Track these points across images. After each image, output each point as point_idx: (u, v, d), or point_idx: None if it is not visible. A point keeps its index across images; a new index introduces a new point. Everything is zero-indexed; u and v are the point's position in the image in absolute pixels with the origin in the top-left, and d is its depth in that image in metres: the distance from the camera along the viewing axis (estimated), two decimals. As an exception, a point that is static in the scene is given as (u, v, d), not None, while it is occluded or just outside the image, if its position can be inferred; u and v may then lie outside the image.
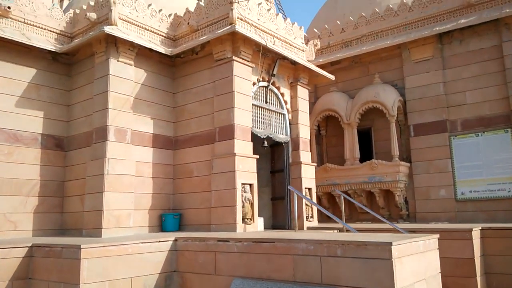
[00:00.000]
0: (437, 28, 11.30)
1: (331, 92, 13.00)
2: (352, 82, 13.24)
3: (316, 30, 14.14)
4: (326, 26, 13.92)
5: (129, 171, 8.57)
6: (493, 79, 10.68)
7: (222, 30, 8.64)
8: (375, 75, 12.49)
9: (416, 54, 11.84)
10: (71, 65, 9.70)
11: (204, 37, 9.08)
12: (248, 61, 9.21)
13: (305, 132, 10.85)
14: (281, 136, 10.41)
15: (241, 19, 9.12)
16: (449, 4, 11.39)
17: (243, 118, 8.95)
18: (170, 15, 10.19)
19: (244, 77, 9.11)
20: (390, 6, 12.61)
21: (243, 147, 8.82)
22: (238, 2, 8.86)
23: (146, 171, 9.12)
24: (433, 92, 11.47)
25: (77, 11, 9.80)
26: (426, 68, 11.64)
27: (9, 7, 8.46)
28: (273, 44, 9.64)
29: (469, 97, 11.01)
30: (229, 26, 8.64)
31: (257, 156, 9.11)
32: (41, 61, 9.18)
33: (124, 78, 8.87)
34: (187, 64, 9.90)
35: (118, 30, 8.53)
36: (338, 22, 13.68)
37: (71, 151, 9.30)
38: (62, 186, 9.18)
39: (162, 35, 9.88)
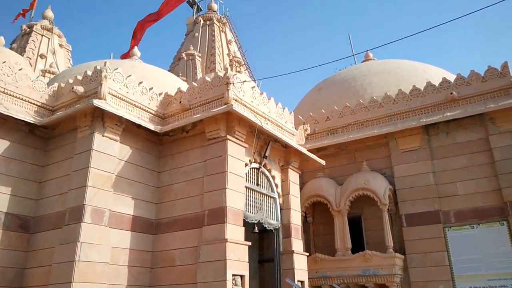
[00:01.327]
0: (423, 120, 11.56)
1: (318, 178, 12.65)
2: (338, 168, 13.01)
3: (301, 117, 14.26)
4: (311, 113, 14.09)
5: (103, 258, 7.46)
6: (483, 170, 10.70)
7: (218, 108, 8.36)
8: (363, 162, 12.37)
9: (403, 144, 11.92)
10: (49, 139, 8.99)
11: (198, 115, 8.75)
12: (242, 141, 8.84)
13: (296, 218, 10.19)
14: (272, 222, 9.68)
15: (236, 100, 8.94)
16: (433, 98, 11.83)
17: (236, 200, 8.28)
18: (160, 93, 9.94)
19: (238, 157, 8.65)
20: (374, 97, 13.00)
21: (235, 232, 8.00)
22: (234, 83, 8.75)
23: (122, 258, 8.00)
24: (423, 182, 11.32)
25: (62, 85, 9.39)
26: (415, 158, 11.64)
27: (-10, 75, 7.94)
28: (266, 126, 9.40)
29: (460, 188, 10.89)
30: (226, 105, 8.39)
31: (249, 243, 8.27)
32: (16, 133, 8.44)
33: (108, 154, 8.19)
34: (175, 143, 9.40)
35: (107, 104, 8.08)
36: (323, 111, 13.90)
37: (38, 234, 8.14)
38: (22, 275, 7.84)
39: (151, 113, 9.50)
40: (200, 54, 19.07)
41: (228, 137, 8.49)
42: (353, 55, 19.23)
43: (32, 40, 15.62)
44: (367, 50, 18.07)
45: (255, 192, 9.36)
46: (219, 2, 20.94)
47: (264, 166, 9.75)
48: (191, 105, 9.38)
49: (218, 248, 7.74)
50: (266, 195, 9.75)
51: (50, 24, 16.80)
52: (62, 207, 7.88)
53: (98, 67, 8.73)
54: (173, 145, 9.44)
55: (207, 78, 9.46)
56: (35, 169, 8.57)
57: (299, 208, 10.52)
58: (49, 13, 17.31)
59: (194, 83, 9.77)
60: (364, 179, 11.67)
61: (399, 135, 11.97)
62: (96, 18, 39.41)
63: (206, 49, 19.39)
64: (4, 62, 8.46)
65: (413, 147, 11.75)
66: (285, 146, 10.39)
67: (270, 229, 9.66)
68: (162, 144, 9.60)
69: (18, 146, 8.37)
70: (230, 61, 19.71)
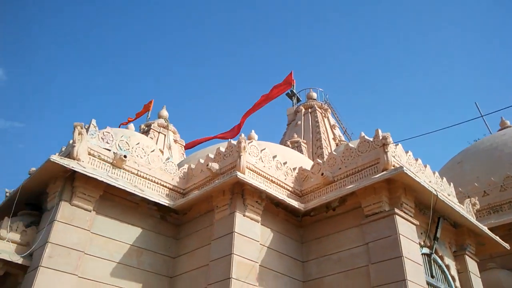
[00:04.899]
0: None
1: (492, 270, 9.79)
2: (513, 256, 10.06)
3: (461, 189, 11.85)
4: (460, 189, 11.68)
5: None
6: None
7: (383, 173, 6.73)
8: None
9: None
10: (179, 225, 7.96)
11: (350, 186, 7.17)
12: (411, 216, 6.92)
13: (489, 326, 7.45)
14: (460, 330, 7.10)
15: (394, 166, 7.27)
16: None
17: (420, 297, 6.10)
18: (294, 168, 8.68)
19: (410, 237, 6.67)
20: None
21: None
22: (393, 143, 7.19)
23: None
24: None
25: (193, 166, 8.63)
26: None
27: (125, 156, 7.39)
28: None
29: None
30: (388, 170, 6.75)
31: None
32: (148, 219, 7.56)
33: (250, 238, 6.81)
34: (319, 224, 7.77)
35: (249, 177, 6.94)
36: (476, 184, 11.47)
37: None
38: None
39: (289, 189, 8.16)
40: (305, 141, 18.21)
41: (396, 211, 6.66)
42: (485, 123, 16.89)
43: (150, 137, 16.05)
44: (501, 117, 15.92)
45: (432, 287, 7.06)
46: (319, 90, 20.71)
47: (435, 252, 7.54)
48: (334, 177, 7.88)
49: None
50: (444, 290, 7.35)
51: (165, 122, 17.40)
52: (200, 308, 6.40)
53: (233, 142, 7.87)
54: (316, 226, 7.81)
55: (351, 145, 8.05)
56: (167, 261, 7.42)
57: (489, 311, 7.79)
58: (164, 112, 18.11)
59: (334, 152, 8.41)
60: None
61: None
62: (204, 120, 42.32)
63: (311, 135, 18.61)
64: (137, 144, 8.00)
65: None
66: (455, 225, 8.16)
67: None
68: (302, 227, 8.03)
69: (150, 234, 7.41)
70: (337, 145, 18.54)
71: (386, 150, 7.08)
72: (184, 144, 17.72)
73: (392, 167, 7.12)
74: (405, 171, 6.42)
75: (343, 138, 18.67)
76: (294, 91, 21.39)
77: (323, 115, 19.39)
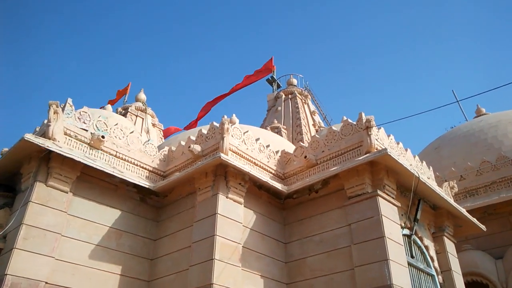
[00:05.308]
0: None
1: (467, 251, 10.08)
2: (489, 238, 10.37)
3: (438, 174, 12.08)
4: (437, 173, 11.91)
5: None
6: None
7: (367, 155, 6.73)
8: (524, 227, 9.71)
9: None
10: (160, 208, 7.79)
11: (334, 168, 7.16)
12: (393, 198, 6.98)
13: (465, 304, 7.66)
14: (437, 309, 7.27)
15: (376, 148, 7.29)
16: None
17: (401, 276, 6.19)
18: (277, 152, 8.61)
19: (392, 219, 6.73)
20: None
21: (408, 322, 5.80)
22: (377, 126, 7.20)
23: None
24: None
25: (173, 148, 8.43)
26: None
27: (103, 137, 7.13)
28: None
29: None
30: (373, 153, 6.76)
31: (428, 339, 5.95)
32: (127, 201, 7.36)
33: (233, 220, 6.73)
34: (302, 206, 7.76)
35: (233, 159, 6.83)
36: (453, 169, 11.73)
37: (150, 326, 6.53)
38: None
39: (271, 172, 8.09)
40: (285, 127, 18.18)
41: (379, 192, 6.70)
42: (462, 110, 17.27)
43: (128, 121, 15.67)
44: (477, 105, 16.28)
45: (412, 268, 7.18)
46: (299, 77, 20.64)
47: (415, 233, 7.65)
48: (318, 160, 7.86)
49: None
50: (423, 271, 7.49)
51: (143, 105, 17.02)
52: (182, 290, 6.31)
53: (215, 124, 7.71)
54: (299, 209, 7.80)
55: (334, 128, 8.03)
56: (147, 243, 7.27)
57: (465, 289, 8.01)
58: (142, 95, 17.71)
59: (317, 135, 8.38)
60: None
61: None
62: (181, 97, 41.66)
63: (291, 121, 18.60)
64: (116, 125, 7.74)
65: None
66: (434, 207, 8.31)
67: (435, 319, 7.22)
68: (285, 209, 8.00)
69: (130, 216, 7.22)
70: (317, 131, 18.63)
71: (369, 132, 7.08)
72: (163, 128, 17.42)
73: (375, 150, 7.15)
74: (388, 153, 6.43)
75: (322, 125, 18.75)
76: (275, 77, 21.23)
77: (303, 101, 19.38)
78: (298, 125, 18.20)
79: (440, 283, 7.71)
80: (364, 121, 7.26)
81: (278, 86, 21.27)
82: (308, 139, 16.44)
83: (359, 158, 6.79)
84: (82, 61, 38.11)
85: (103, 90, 39.60)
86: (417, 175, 6.93)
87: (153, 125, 16.91)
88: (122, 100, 18.68)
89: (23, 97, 35.61)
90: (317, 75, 42.54)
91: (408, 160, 8.38)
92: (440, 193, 7.60)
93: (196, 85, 43.25)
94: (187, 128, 19.68)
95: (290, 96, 19.21)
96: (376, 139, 7.49)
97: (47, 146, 6.11)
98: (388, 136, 8.10)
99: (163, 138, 16.87)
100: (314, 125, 18.63)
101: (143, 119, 16.57)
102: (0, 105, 33.56)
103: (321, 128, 18.62)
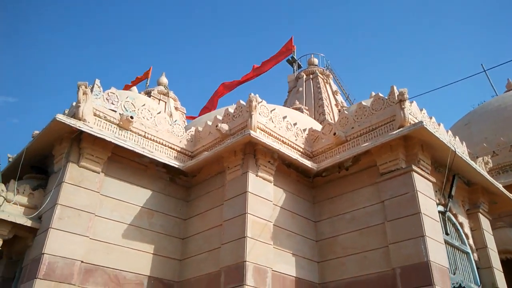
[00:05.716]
0: None
1: (502, 228, 9.78)
2: (523, 215, 10.04)
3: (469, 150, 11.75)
4: (468, 150, 11.55)
5: (274, 336, 5.56)
6: None
7: (401, 129, 6.51)
8: None
9: None
10: (189, 188, 7.80)
11: (365, 144, 6.97)
12: (428, 173, 6.77)
13: (502, 282, 7.45)
14: (473, 287, 7.09)
15: (410, 123, 7.05)
16: None
17: (438, 252, 6.04)
18: (304, 130, 8.46)
19: (427, 194, 6.54)
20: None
21: (446, 298, 5.66)
22: (408, 100, 6.94)
23: (290, 337, 6.03)
24: None
25: (200, 128, 8.39)
26: None
27: (131, 117, 7.12)
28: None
29: None
30: (407, 126, 6.53)
31: (468, 315, 5.82)
32: (157, 181, 7.38)
33: (263, 198, 6.67)
34: (331, 184, 7.63)
35: (263, 136, 6.73)
36: (485, 145, 11.33)
37: (184, 303, 6.60)
38: None
39: (299, 150, 7.96)
40: (307, 108, 17.87)
41: (413, 167, 6.50)
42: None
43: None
44: (508, 79, 15.64)
45: (447, 245, 6.99)
46: (320, 56, 20.16)
47: (449, 210, 7.44)
48: (347, 136, 7.68)
49: (429, 322, 5.43)
50: (458, 248, 7.31)
51: (165, 89, 16.99)
52: (215, 267, 6.33)
53: (242, 102, 7.60)
54: (329, 187, 7.68)
55: (364, 103, 7.81)
56: (178, 223, 7.30)
57: (501, 268, 7.78)
58: (164, 79, 17.64)
59: (345, 111, 8.17)
60: None
61: None
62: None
63: (313, 101, 18.27)
64: (143, 105, 7.72)
65: None
66: (468, 183, 8.05)
67: (471, 296, 7.06)
68: (314, 188, 7.90)
69: (160, 196, 7.24)
70: (339, 111, 18.28)
71: (403, 106, 6.84)
72: (185, 111, 17.41)
73: (409, 124, 6.92)
74: (425, 125, 6.21)
75: (345, 104, 18.37)
76: (295, 57, 20.83)
77: (325, 81, 19.00)
78: (320, 105, 17.89)
79: (475, 261, 7.51)
80: (396, 94, 7.02)
81: (299, 67, 20.88)
82: (331, 119, 16.19)
83: (393, 133, 6.58)
84: (101, 44, 38.35)
85: (120, 76, 39.87)
86: (454, 149, 6.69)
87: (176, 108, 16.87)
88: (144, 84, 18.70)
89: (44, 90, 36.24)
90: (339, 53, 41.72)
91: (441, 135, 8.10)
92: (476, 168, 7.33)
93: (216, 67, 43.06)
94: (202, 112, 19.43)
95: (311, 76, 18.84)
96: (410, 113, 7.26)
97: (79, 127, 6.13)
98: (421, 110, 7.83)
99: (185, 122, 16.87)
100: (336, 105, 18.28)
101: (165, 102, 16.54)
102: (22, 98, 34.29)
103: (344, 108, 18.28)
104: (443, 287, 5.74)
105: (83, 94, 6.49)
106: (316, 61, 19.55)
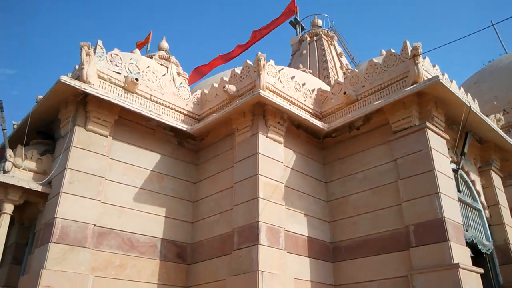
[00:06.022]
0: None
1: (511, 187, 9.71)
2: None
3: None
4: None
5: (288, 294, 5.61)
6: None
7: (416, 85, 6.32)
8: None
9: None
10: (197, 151, 7.70)
11: (377, 102, 6.79)
12: (442, 130, 6.63)
13: (514, 238, 7.47)
14: (486, 243, 7.12)
15: (423, 79, 6.84)
16: None
17: (452, 209, 5.99)
18: (313, 90, 8.25)
19: (441, 151, 6.43)
20: None
21: (460, 254, 5.66)
22: (423, 54, 6.70)
23: (304, 294, 6.10)
24: None
25: (206, 91, 8.19)
26: None
27: (136, 79, 6.92)
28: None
29: None
30: (419, 83, 6.33)
31: (482, 270, 5.84)
32: (166, 145, 7.28)
33: (274, 159, 6.57)
34: (342, 144, 7.52)
35: (272, 96, 6.55)
36: (495, 103, 11.11)
37: (197, 264, 6.65)
38: (186, 317, 6.32)
39: (309, 111, 7.79)
40: (311, 71, 17.46)
41: (427, 124, 6.35)
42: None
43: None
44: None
45: (459, 202, 6.95)
46: (324, 17, 19.49)
47: (462, 167, 7.35)
48: (358, 95, 7.48)
49: (443, 278, 5.44)
50: (470, 205, 7.28)
51: (167, 54, 16.60)
52: (227, 228, 6.33)
53: (249, 62, 7.36)
54: (339, 147, 7.57)
55: (375, 60, 7.56)
56: (188, 186, 7.26)
57: (512, 224, 7.79)
58: (165, 44, 17.19)
59: (356, 70, 7.94)
60: None
61: None
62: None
63: (317, 64, 17.83)
64: (147, 67, 7.50)
65: None
66: (480, 141, 7.93)
67: (484, 252, 7.09)
68: (324, 149, 7.79)
69: (169, 160, 7.16)
70: (344, 73, 17.91)
71: (416, 61, 6.59)
72: (188, 77, 17.09)
73: (423, 80, 6.71)
74: (440, 80, 6.00)
75: (350, 67, 17.97)
76: (298, 18, 20.19)
77: (329, 43, 18.49)
78: (324, 68, 17.51)
79: (487, 218, 7.51)
80: (410, 49, 6.76)
81: (302, 29, 20.26)
82: (350, 71, 15.81)
83: (407, 89, 6.38)
84: (100, 12, 37.37)
85: (124, 40, 39.05)
86: (469, 105, 6.51)
87: (178, 74, 16.56)
88: (144, 50, 18.31)
89: (42, 61, 35.59)
90: (343, 14, 40.56)
91: (453, 89, 7.89)
92: (491, 124, 7.19)
93: (218, 30, 42.04)
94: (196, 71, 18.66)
95: (315, 38, 18.31)
96: (423, 69, 7.03)
97: (84, 89, 5.96)
98: (434, 66, 7.59)
99: (188, 87, 16.61)
100: (341, 67, 17.88)
101: (167, 68, 16.16)
102: (21, 70, 33.76)
103: (349, 70, 17.91)
104: (458, 243, 5.73)
105: (86, 55, 6.26)
106: (320, 22, 18.92)
